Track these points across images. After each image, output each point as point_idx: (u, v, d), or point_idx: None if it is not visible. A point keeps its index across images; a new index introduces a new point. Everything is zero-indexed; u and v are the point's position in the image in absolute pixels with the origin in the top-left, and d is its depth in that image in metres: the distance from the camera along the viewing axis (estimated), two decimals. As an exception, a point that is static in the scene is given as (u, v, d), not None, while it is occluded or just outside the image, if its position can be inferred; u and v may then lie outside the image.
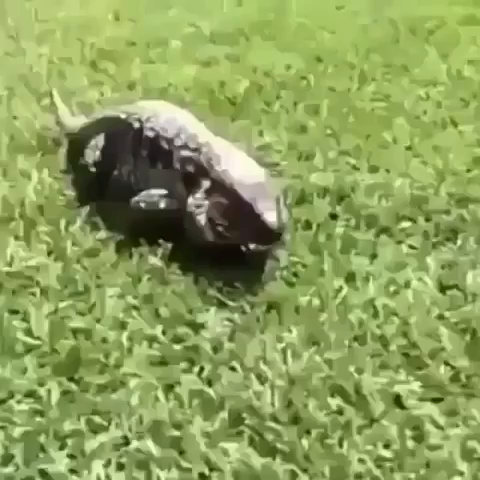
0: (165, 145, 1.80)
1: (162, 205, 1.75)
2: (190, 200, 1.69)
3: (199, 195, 1.68)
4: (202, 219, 1.66)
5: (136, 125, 1.87)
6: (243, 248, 1.67)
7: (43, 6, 3.57)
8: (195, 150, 1.75)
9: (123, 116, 1.92)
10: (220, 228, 1.64)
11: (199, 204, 1.67)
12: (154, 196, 1.77)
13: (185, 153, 1.76)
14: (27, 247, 1.76)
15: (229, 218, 1.63)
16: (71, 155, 2.12)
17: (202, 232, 1.66)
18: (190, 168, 1.74)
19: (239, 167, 1.69)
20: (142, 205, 1.76)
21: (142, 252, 1.71)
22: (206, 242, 1.67)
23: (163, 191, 1.77)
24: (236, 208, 1.61)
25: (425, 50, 2.92)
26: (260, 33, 3.16)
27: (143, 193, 1.78)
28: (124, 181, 1.91)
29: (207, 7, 3.50)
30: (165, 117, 1.85)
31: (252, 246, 1.66)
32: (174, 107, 1.95)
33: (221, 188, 1.65)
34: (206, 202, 1.67)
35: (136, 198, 1.78)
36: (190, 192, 1.71)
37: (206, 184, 1.68)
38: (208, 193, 1.67)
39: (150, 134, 1.83)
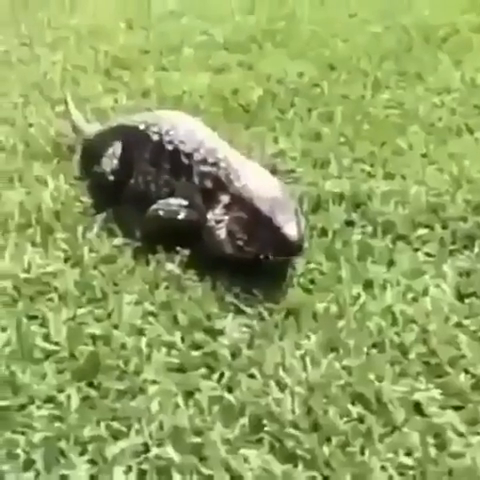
0: (185, 159, 1.80)
1: (181, 215, 1.75)
2: (210, 215, 1.70)
3: (218, 211, 1.69)
4: (222, 233, 1.66)
5: (155, 138, 1.87)
6: (262, 256, 1.66)
7: (55, 14, 3.58)
8: (214, 165, 1.76)
9: (141, 127, 1.92)
10: (240, 242, 1.64)
11: (219, 219, 1.67)
12: (173, 205, 1.77)
13: (204, 168, 1.76)
14: (44, 254, 1.77)
15: (249, 232, 1.63)
16: (86, 162, 2.13)
17: (222, 246, 1.67)
18: (208, 183, 1.74)
19: (256, 181, 1.70)
20: (161, 213, 1.76)
21: (159, 259, 1.71)
22: (226, 255, 1.67)
23: (183, 201, 1.77)
24: (256, 222, 1.62)
25: (438, 58, 2.92)
26: (272, 41, 3.16)
27: (161, 201, 1.79)
28: (140, 190, 1.91)
29: (219, 15, 3.51)
30: (184, 130, 1.86)
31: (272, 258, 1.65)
32: (191, 118, 1.95)
33: (240, 203, 1.66)
34: (226, 217, 1.67)
35: (154, 206, 1.78)
36: (209, 207, 1.71)
37: (225, 199, 1.69)
38: (227, 208, 1.68)
39: (170, 147, 1.84)
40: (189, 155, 1.80)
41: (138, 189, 1.92)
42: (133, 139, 1.95)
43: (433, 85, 2.67)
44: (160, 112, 2.03)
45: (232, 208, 1.67)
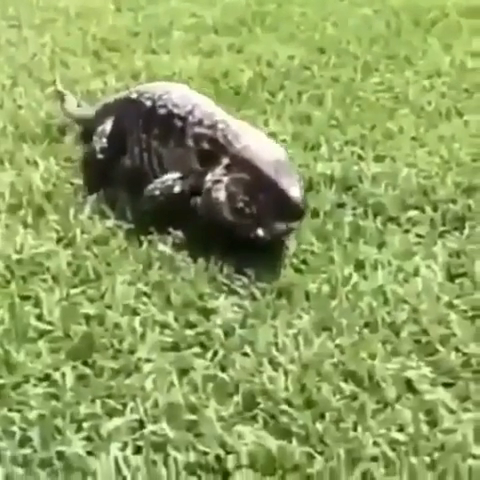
0: (178, 122, 1.77)
1: (177, 189, 1.73)
2: (208, 177, 1.66)
3: (218, 171, 1.65)
4: (221, 196, 1.62)
5: (148, 104, 1.84)
6: (260, 232, 1.62)
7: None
8: (210, 127, 1.72)
9: (134, 96, 1.91)
10: (240, 204, 1.60)
11: (217, 180, 1.63)
12: (168, 181, 1.75)
13: (199, 130, 1.73)
14: (36, 235, 1.76)
15: (251, 193, 1.59)
16: (82, 143, 2.12)
17: (220, 209, 1.63)
18: (205, 145, 1.71)
19: (258, 144, 1.67)
20: (157, 193, 1.75)
21: (152, 240, 1.71)
22: (224, 220, 1.64)
23: (176, 174, 1.75)
24: (259, 183, 1.59)
25: (428, 41, 2.93)
26: (262, 23, 3.16)
27: (157, 181, 1.77)
28: (136, 165, 1.89)
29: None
30: (178, 94, 1.84)
31: (273, 224, 1.61)
32: (186, 86, 1.94)
33: (242, 164, 1.62)
34: (225, 178, 1.63)
35: (150, 186, 1.76)
36: (208, 169, 1.68)
37: (225, 161, 1.65)
38: (227, 169, 1.64)
39: (162, 111, 1.80)
40: (183, 118, 1.76)
41: (134, 164, 1.89)
42: (125, 111, 1.92)
43: (423, 69, 2.69)
44: (156, 83, 2.02)
45: (232, 169, 1.63)
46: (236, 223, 1.63)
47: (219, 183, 1.63)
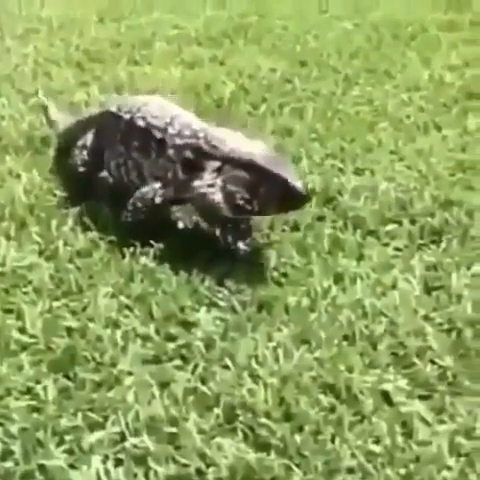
0: (157, 133, 1.78)
1: (158, 199, 1.76)
2: (197, 183, 1.69)
3: (208, 175, 1.68)
4: (217, 197, 1.66)
5: (126, 117, 1.85)
6: (241, 245, 1.69)
7: (26, 4, 3.56)
8: (192, 137, 1.74)
9: (113, 109, 1.92)
10: (240, 201, 1.64)
11: (210, 184, 1.66)
12: (149, 193, 1.77)
13: (181, 141, 1.74)
14: (19, 247, 1.77)
15: (250, 190, 1.63)
16: (61, 155, 2.13)
17: (218, 209, 1.67)
18: (188, 154, 1.73)
19: (245, 142, 1.70)
20: (139, 205, 1.77)
21: (134, 252, 1.73)
22: (224, 218, 1.69)
23: (157, 184, 1.77)
24: (258, 178, 1.63)
25: (407, 55, 2.98)
26: (244, 36, 3.19)
27: (137, 193, 1.79)
28: (115, 179, 1.91)
29: (190, 9, 3.52)
30: (157, 106, 1.85)
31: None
32: (167, 100, 1.96)
33: (235, 163, 1.65)
34: (218, 180, 1.66)
35: (131, 200, 1.78)
36: (193, 177, 1.70)
37: (214, 164, 1.68)
38: (219, 171, 1.67)
39: (141, 123, 1.82)
40: (163, 129, 1.78)
41: (113, 178, 1.91)
42: (105, 124, 1.93)
43: (402, 82, 2.73)
44: (132, 97, 2.04)
45: (224, 170, 1.67)
46: (237, 218, 1.70)
47: (213, 186, 1.67)
